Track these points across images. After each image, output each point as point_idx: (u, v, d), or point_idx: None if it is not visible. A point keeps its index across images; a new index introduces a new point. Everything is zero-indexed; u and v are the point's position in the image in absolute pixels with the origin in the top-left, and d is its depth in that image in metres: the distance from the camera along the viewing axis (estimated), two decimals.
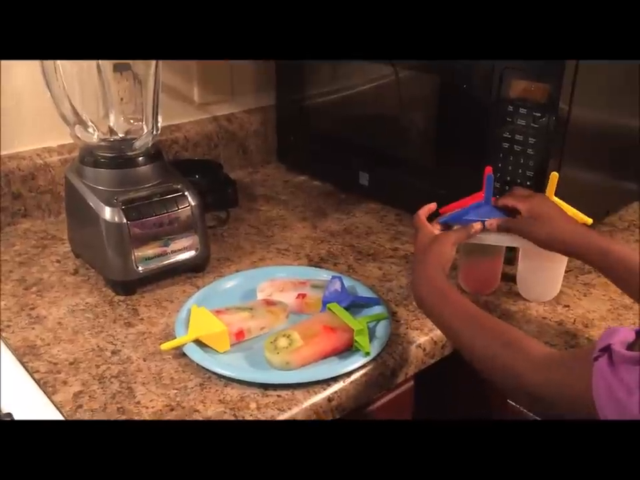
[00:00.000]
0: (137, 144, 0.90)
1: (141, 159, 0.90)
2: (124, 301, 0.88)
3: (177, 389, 0.72)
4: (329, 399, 0.72)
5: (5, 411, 0.66)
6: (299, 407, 0.69)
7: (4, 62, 1.02)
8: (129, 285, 0.89)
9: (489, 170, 0.83)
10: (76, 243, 0.97)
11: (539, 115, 0.89)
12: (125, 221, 0.86)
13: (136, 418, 0.67)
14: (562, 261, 0.88)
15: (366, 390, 0.75)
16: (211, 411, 0.69)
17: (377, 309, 0.84)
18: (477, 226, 0.81)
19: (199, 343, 0.77)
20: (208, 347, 0.77)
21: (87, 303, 0.87)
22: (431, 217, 0.85)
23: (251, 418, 0.68)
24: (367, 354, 0.75)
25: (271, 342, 0.75)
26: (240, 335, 0.78)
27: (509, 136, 0.92)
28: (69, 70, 0.87)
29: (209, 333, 0.76)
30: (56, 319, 0.84)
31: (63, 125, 0.90)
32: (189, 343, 0.76)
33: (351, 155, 1.19)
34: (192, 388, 0.72)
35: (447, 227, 0.84)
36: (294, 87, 1.27)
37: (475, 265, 0.90)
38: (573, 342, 0.81)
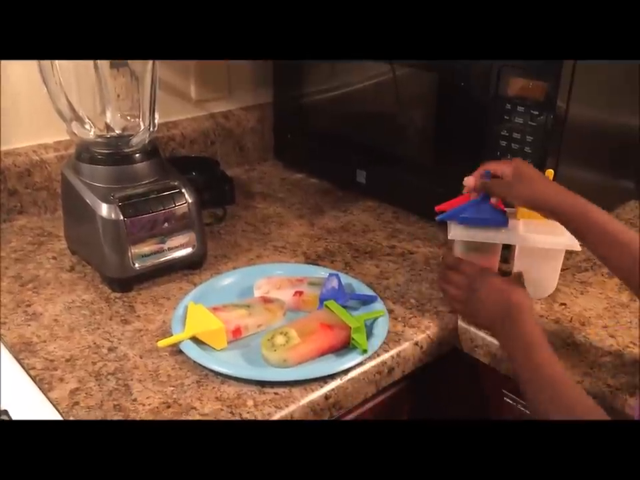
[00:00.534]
0: (134, 141, 0.90)
1: (137, 155, 0.90)
2: (120, 297, 0.88)
3: (173, 386, 0.72)
4: (326, 397, 0.72)
5: (1, 408, 0.65)
6: (296, 405, 0.69)
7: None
8: (125, 282, 0.89)
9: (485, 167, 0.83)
10: (72, 239, 0.97)
11: (537, 113, 0.89)
12: (121, 217, 0.85)
13: (132, 415, 0.67)
14: (558, 259, 0.88)
15: (363, 387, 0.75)
16: (208, 408, 0.68)
17: (374, 307, 0.84)
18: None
19: (195, 340, 0.77)
20: (205, 344, 0.77)
21: (83, 300, 0.87)
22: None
23: (248, 415, 0.68)
24: (364, 351, 0.75)
25: (268, 339, 0.75)
26: (237, 332, 0.78)
27: (507, 134, 0.93)
28: (66, 66, 0.87)
29: (206, 330, 0.76)
30: (52, 316, 0.84)
31: (60, 121, 0.90)
32: (185, 340, 0.76)
33: (349, 152, 1.19)
34: (189, 385, 0.72)
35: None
36: (291, 84, 1.27)
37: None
38: (570, 340, 0.81)
